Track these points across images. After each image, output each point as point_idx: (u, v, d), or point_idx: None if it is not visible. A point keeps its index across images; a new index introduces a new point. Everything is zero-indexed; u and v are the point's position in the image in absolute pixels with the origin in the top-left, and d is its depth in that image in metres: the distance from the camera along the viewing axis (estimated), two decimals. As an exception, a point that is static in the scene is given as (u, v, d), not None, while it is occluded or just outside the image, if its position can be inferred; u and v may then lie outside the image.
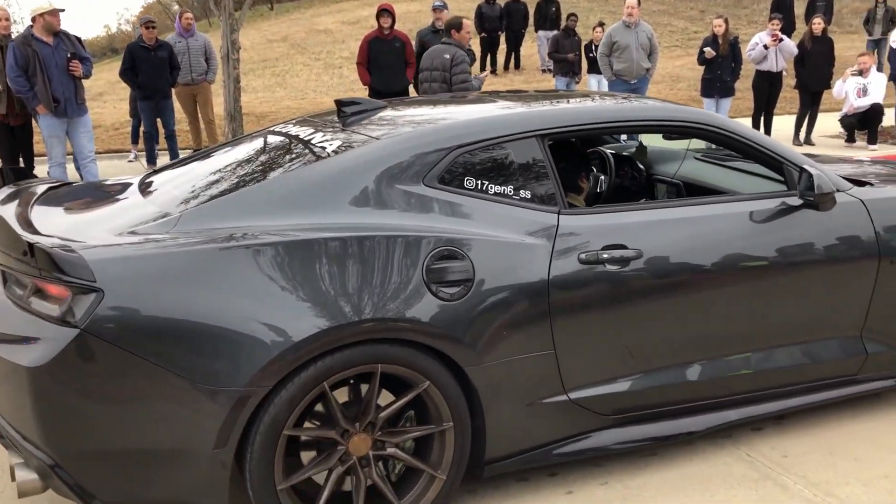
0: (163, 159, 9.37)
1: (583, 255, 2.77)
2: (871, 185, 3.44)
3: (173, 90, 9.42)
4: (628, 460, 3.09)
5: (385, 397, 2.61)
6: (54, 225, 2.64)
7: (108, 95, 16.40)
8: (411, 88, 8.97)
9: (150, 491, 2.38)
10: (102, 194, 3.18)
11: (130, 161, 10.36)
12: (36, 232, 2.50)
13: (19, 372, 2.31)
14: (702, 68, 10.24)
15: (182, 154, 9.07)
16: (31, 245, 2.33)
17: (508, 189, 2.80)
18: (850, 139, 10.96)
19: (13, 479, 2.42)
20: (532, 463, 2.83)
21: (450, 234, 2.63)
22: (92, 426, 2.30)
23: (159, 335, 2.28)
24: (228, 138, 8.85)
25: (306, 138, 3.07)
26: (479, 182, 2.78)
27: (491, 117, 3.00)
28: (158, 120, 9.38)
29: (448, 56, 7.31)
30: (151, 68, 9.00)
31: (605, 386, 2.88)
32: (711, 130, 3.16)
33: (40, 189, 3.11)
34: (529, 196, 2.82)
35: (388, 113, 3.22)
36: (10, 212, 2.68)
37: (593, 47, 11.82)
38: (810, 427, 3.33)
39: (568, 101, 3.40)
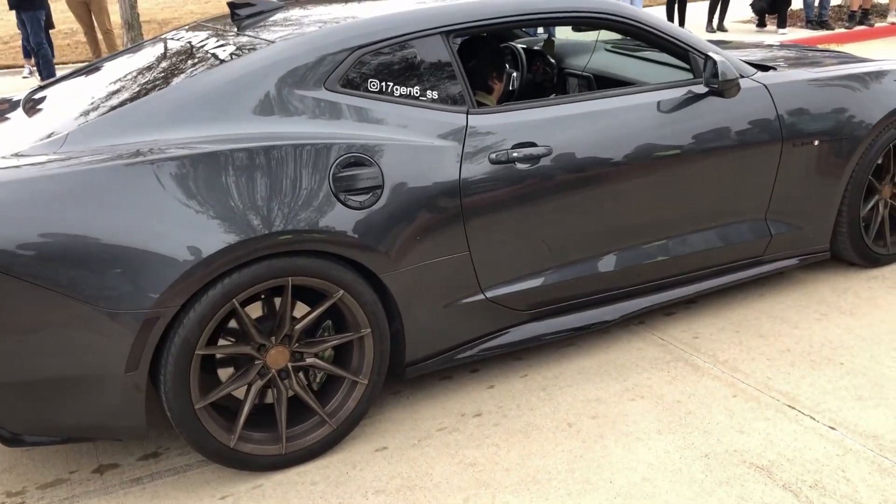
0: (62, 73, 8.84)
1: (493, 155, 2.75)
2: (775, 69, 3.48)
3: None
4: (546, 352, 3.17)
5: (301, 309, 2.59)
6: (-71, 150, 2.46)
7: (-5, 6, 15.26)
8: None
9: (64, 418, 2.33)
10: (-17, 114, 2.97)
11: (25, 77, 9.75)
12: None
13: None
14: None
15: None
16: None
17: (415, 90, 2.73)
18: (762, 24, 11.07)
19: (-85, 417, 2.33)
20: (453, 362, 2.87)
21: (355, 140, 2.56)
22: (-7, 358, 2.21)
23: (54, 260, 2.18)
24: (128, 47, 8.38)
25: (200, 44, 2.92)
26: (383, 84, 2.69)
27: (393, 14, 2.87)
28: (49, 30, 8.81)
29: None
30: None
31: (521, 283, 2.91)
32: (618, 21, 3.12)
33: (-87, 112, 2.89)
34: (437, 97, 2.76)
35: (284, 14, 3.07)
36: None
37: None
38: (719, 308, 3.47)
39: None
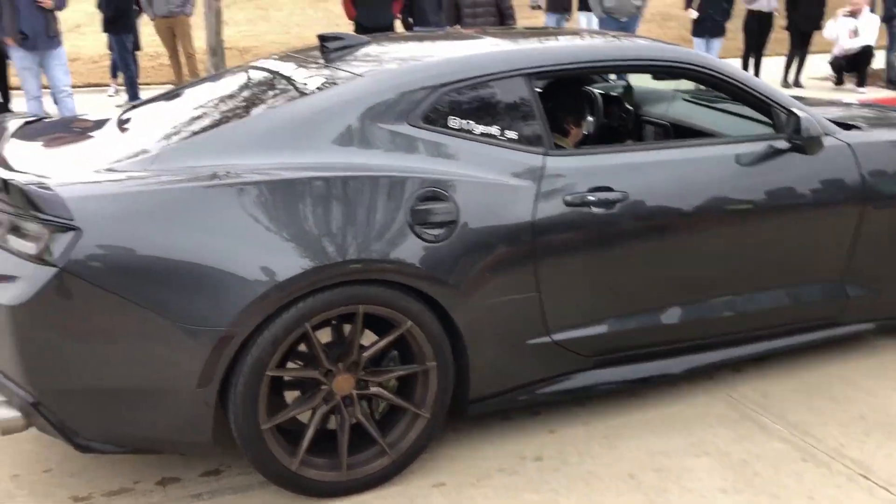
0: (145, 94, 9.18)
1: (568, 198, 2.75)
2: (859, 128, 3.42)
3: (152, 22, 9.21)
4: (610, 401, 3.13)
5: (369, 338, 2.61)
6: (30, 161, 2.58)
7: (86, 27, 15.94)
8: (398, 24, 8.78)
9: (134, 428, 2.38)
10: (79, 129, 3.10)
11: (110, 95, 10.15)
12: (10, 168, 2.45)
13: (-2, 311, 2.28)
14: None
15: (158, 90, 8.88)
16: (5, 182, 2.27)
17: (494, 129, 2.76)
18: (839, 81, 10.89)
19: (-5, 417, 2.41)
20: (515, 403, 2.85)
21: (434, 175, 2.59)
22: (73, 365, 2.28)
23: (140, 274, 2.25)
24: (211, 73, 8.67)
25: (289, 75, 3.00)
26: (464, 121, 2.73)
27: (477, 55, 2.93)
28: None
29: None
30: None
31: (589, 328, 2.89)
32: (701, 71, 3.11)
33: (15, 124, 3.04)
34: (516, 136, 2.78)
35: (372, 49, 3.14)
36: (-17, 147, 2.61)
37: (584, -17, 11.58)
38: (790, 368, 3.38)
39: (557, 39, 3.33)
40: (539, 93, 2.90)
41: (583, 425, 2.98)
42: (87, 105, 8.45)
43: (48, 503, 2.52)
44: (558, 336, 2.83)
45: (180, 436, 2.40)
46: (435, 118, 2.70)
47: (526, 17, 15.69)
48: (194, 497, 2.56)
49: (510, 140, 2.77)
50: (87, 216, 2.24)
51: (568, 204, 2.74)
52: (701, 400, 3.15)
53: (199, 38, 10.09)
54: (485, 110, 2.76)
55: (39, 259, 2.25)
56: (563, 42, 3.25)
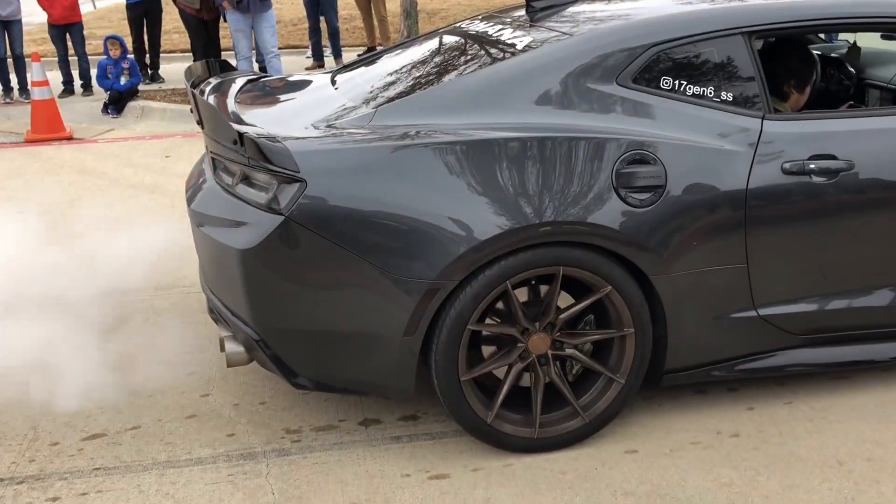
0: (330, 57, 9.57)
1: (787, 165, 2.59)
2: None
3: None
4: (815, 382, 2.95)
5: (565, 300, 2.61)
6: (258, 116, 2.77)
7: (286, -9, 16.84)
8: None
9: (343, 370, 2.53)
10: (298, 87, 3.29)
11: (308, 57, 10.66)
12: (242, 122, 2.64)
13: (230, 253, 2.49)
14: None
15: (349, 53, 9.23)
16: (241, 135, 2.46)
17: (708, 90, 2.64)
18: None
19: (222, 349, 2.65)
20: (712, 377, 2.76)
21: (642, 137, 2.53)
22: (293, 306, 2.46)
23: (356, 225, 2.38)
24: (403, 36, 8.89)
25: (495, 35, 3.01)
26: (676, 82, 2.63)
27: (692, 12, 2.80)
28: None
29: None
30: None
31: (799, 304, 2.73)
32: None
33: (241, 81, 3.26)
34: (731, 98, 2.64)
35: (579, 8, 3.08)
36: (218, 102, 2.83)
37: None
38: None
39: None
40: (759, 53, 2.72)
41: (785, 405, 2.84)
42: (288, 66, 8.95)
43: (264, 432, 2.74)
44: (765, 311, 2.69)
45: (386, 380, 2.53)
46: (645, 78, 2.62)
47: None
48: (393, 439, 2.69)
49: (725, 102, 2.64)
50: (311, 169, 2.38)
51: (786, 172, 2.59)
52: (921, 389, 2.90)
53: (393, 2, 10.37)
54: (699, 70, 2.65)
55: (268, 207, 2.42)
56: (786, -1, 3.03)
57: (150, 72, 9.06)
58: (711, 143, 2.57)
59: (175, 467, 2.56)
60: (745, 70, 2.67)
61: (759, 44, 2.96)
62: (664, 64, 2.63)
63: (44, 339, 3.31)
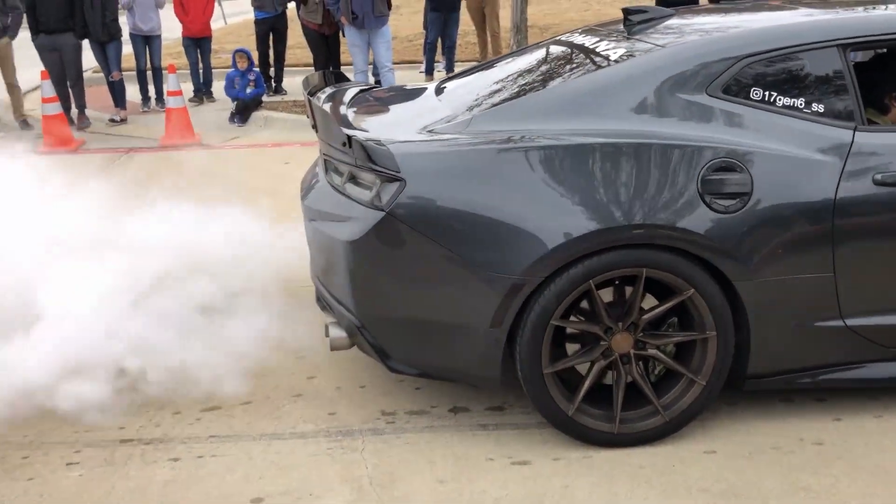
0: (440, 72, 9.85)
1: (878, 177, 2.60)
2: None
3: (464, 2, 9.81)
4: (908, 397, 2.92)
5: (648, 301, 2.71)
6: (366, 121, 3.01)
7: (403, 8, 17.36)
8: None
9: (436, 357, 2.73)
10: (405, 97, 3.53)
11: (421, 72, 11.01)
12: (352, 127, 2.88)
13: (336, 245, 2.74)
14: None
15: (461, 67, 9.48)
16: (349, 138, 2.70)
17: (799, 102, 2.69)
18: None
19: (327, 335, 2.90)
20: (796, 384, 2.79)
21: (730, 146, 2.60)
22: (391, 295, 2.68)
23: (449, 222, 2.57)
24: (513, 50, 9.09)
25: (591, 47, 3.15)
26: (766, 93, 2.69)
27: (785, 25, 2.86)
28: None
29: None
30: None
31: (889, 316, 2.72)
32: None
33: (353, 90, 3.53)
34: (822, 110, 2.68)
35: (675, 21, 3.18)
36: (331, 108, 3.09)
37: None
38: None
39: (874, 8, 3.11)
40: (863, 64, 2.75)
41: (874, 418, 2.83)
42: (403, 81, 9.30)
43: (362, 413, 2.97)
44: (853, 321, 2.70)
45: (474, 369, 2.70)
46: (736, 89, 2.70)
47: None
48: (480, 426, 2.86)
49: (816, 114, 2.68)
50: (411, 170, 2.59)
51: (878, 183, 2.60)
52: None
53: (505, 17, 10.60)
54: (791, 82, 2.70)
55: (371, 204, 2.65)
56: (882, 10, 3.03)
57: (273, 84, 9.61)
58: (799, 153, 2.62)
59: (280, 439, 2.82)
60: (838, 82, 2.70)
61: (861, 55, 2.98)
62: (755, 75, 2.70)
63: (173, 323, 3.67)
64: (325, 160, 3.07)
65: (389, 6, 8.05)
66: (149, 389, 3.13)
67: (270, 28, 9.35)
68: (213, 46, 9.83)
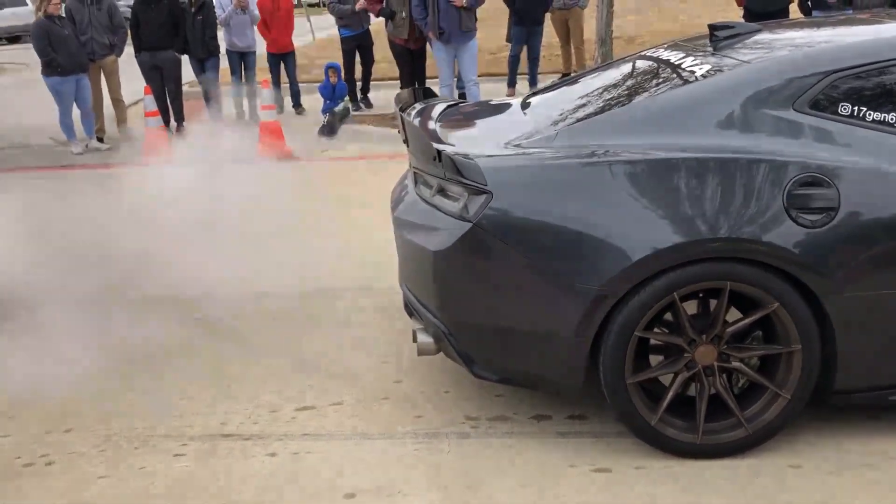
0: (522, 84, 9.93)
1: (970, 192, 2.56)
2: None
3: (548, 15, 9.89)
4: None
5: (732, 314, 2.72)
6: (454, 136, 3.13)
7: (488, 21, 17.54)
8: (793, 8, 8.37)
9: (519, 364, 2.81)
10: (491, 111, 3.64)
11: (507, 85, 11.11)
12: (441, 141, 3.01)
13: (425, 254, 2.86)
14: None
15: (544, 79, 9.54)
16: (439, 152, 2.82)
17: (889, 117, 2.67)
18: None
19: (414, 340, 3.02)
20: (886, 402, 2.75)
21: (816, 161, 2.61)
22: (477, 303, 2.78)
23: (535, 234, 2.66)
24: (597, 62, 9.11)
25: (676, 62, 3.19)
26: (855, 108, 2.68)
27: (875, 40, 2.84)
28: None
29: None
30: (529, -6, 9.57)
31: None
32: None
33: (442, 106, 3.66)
34: (914, 125, 2.66)
35: (762, 36, 3.19)
36: (422, 124, 3.23)
37: None
38: None
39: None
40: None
41: (970, 439, 2.77)
42: (486, 94, 9.43)
43: (447, 416, 3.08)
44: (945, 338, 2.66)
45: (557, 377, 2.78)
46: (824, 104, 2.70)
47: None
48: (561, 434, 2.93)
49: (907, 128, 2.66)
50: (497, 183, 2.69)
51: (969, 198, 2.56)
52: None
53: (590, 29, 10.61)
54: (881, 97, 2.69)
55: (458, 216, 2.76)
56: None
57: (360, 98, 9.89)
58: (889, 168, 2.60)
59: (369, 439, 2.96)
60: (931, 96, 2.67)
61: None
62: (843, 90, 2.70)
63: (266, 326, 3.89)
64: (414, 173, 3.20)
65: (475, 21, 8.19)
66: (245, 389, 3.32)
67: (357, 45, 9.61)
68: (303, 62, 10.18)
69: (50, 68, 8.14)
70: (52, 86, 8.24)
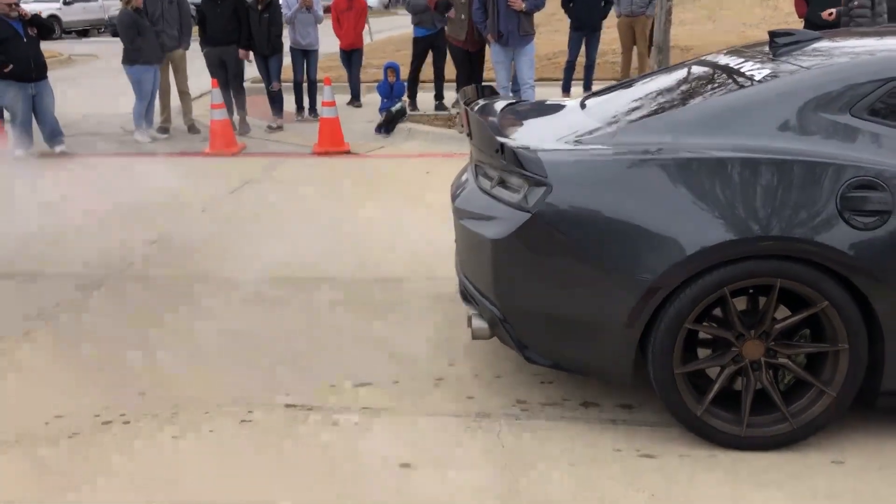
0: (576, 90, 10.00)
1: None
2: None
3: (616, 20, 9.99)
4: None
5: (782, 311, 2.80)
6: (516, 130, 3.27)
7: (543, 27, 17.60)
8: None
9: (571, 351, 2.93)
10: (551, 109, 3.76)
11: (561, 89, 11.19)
12: (503, 135, 3.14)
13: (484, 242, 2.99)
14: None
15: (598, 86, 9.59)
16: (501, 145, 2.96)
17: (948, 124, 2.72)
18: None
19: (469, 325, 3.15)
20: (933, 404, 2.80)
21: (871, 165, 2.67)
22: (533, 291, 2.90)
23: (590, 226, 2.77)
24: (654, 69, 9.13)
25: (735, 67, 3.27)
26: (912, 115, 2.74)
27: (938, 49, 2.89)
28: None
29: None
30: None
31: None
32: None
33: (504, 103, 3.79)
34: (972, 132, 2.70)
35: (822, 44, 3.26)
36: (485, 118, 3.36)
37: None
38: None
39: None
40: None
41: None
42: (541, 98, 9.53)
43: (498, 399, 3.21)
44: None
45: (607, 365, 2.89)
46: (882, 111, 2.77)
47: None
48: (610, 421, 3.04)
49: (965, 136, 2.71)
50: (557, 175, 2.82)
51: None
52: None
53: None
54: (938, 105, 2.74)
55: (517, 206, 2.89)
56: None
57: (435, 103, 9.94)
58: (946, 174, 2.66)
59: (425, 415, 3.10)
60: None
61: None
62: (902, 97, 2.76)
63: (332, 308, 4.09)
64: (475, 165, 3.34)
65: (533, 25, 8.30)
66: (311, 364, 3.50)
67: (430, 45, 9.71)
68: (362, 61, 10.42)
69: (134, 57, 8.49)
70: (133, 74, 8.59)
